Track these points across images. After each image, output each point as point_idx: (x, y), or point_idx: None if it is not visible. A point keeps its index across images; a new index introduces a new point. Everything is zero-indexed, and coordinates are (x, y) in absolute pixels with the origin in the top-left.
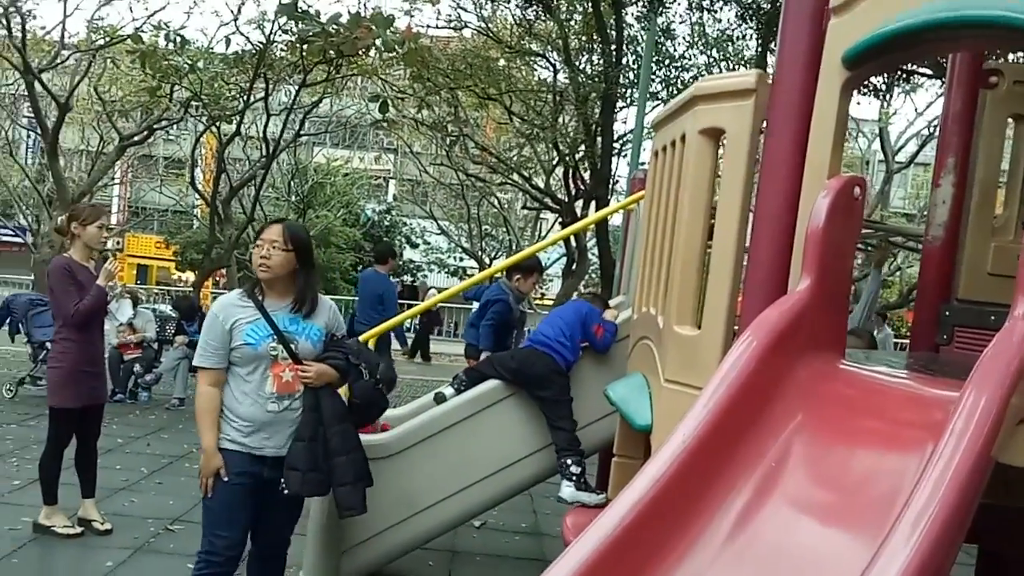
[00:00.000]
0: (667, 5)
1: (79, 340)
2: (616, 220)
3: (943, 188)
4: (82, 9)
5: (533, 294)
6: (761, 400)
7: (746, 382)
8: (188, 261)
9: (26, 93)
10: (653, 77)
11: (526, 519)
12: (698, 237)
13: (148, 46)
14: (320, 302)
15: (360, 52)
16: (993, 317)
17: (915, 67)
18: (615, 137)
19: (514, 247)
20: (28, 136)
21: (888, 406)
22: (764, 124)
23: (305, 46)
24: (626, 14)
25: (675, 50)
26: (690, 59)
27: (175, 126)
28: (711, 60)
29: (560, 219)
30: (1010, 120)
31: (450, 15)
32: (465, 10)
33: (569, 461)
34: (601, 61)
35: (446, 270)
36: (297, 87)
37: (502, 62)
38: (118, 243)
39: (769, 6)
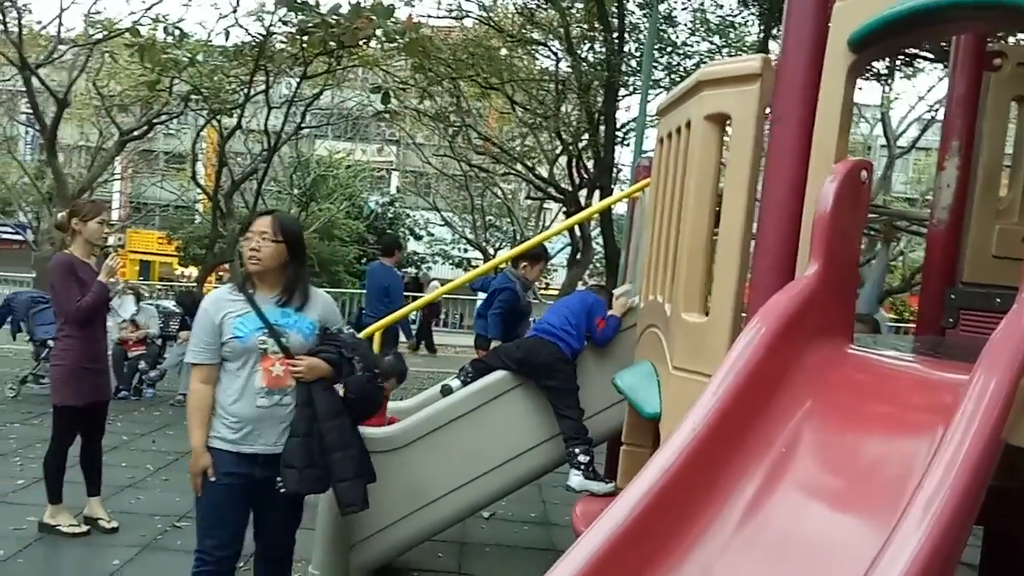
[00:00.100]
0: None
1: (81, 337)
2: (620, 208)
3: (948, 171)
4: (78, 3)
5: (538, 284)
6: (770, 387)
7: (755, 369)
8: (191, 256)
9: (23, 89)
10: (655, 64)
11: (535, 509)
12: (704, 224)
13: (147, 39)
14: (314, 295)
15: (361, 43)
16: (999, 300)
17: (917, 51)
18: (618, 125)
19: (518, 237)
20: (26, 132)
21: (897, 390)
22: (769, 109)
23: (305, 37)
24: (628, 1)
25: (677, 37)
26: (692, 46)
27: (175, 120)
28: (713, 47)
29: (564, 208)
30: (1013, 102)
31: (451, 4)
32: None
33: (577, 450)
34: (603, 49)
35: (450, 262)
36: (298, 79)
37: (504, 51)
38: (120, 239)
39: None
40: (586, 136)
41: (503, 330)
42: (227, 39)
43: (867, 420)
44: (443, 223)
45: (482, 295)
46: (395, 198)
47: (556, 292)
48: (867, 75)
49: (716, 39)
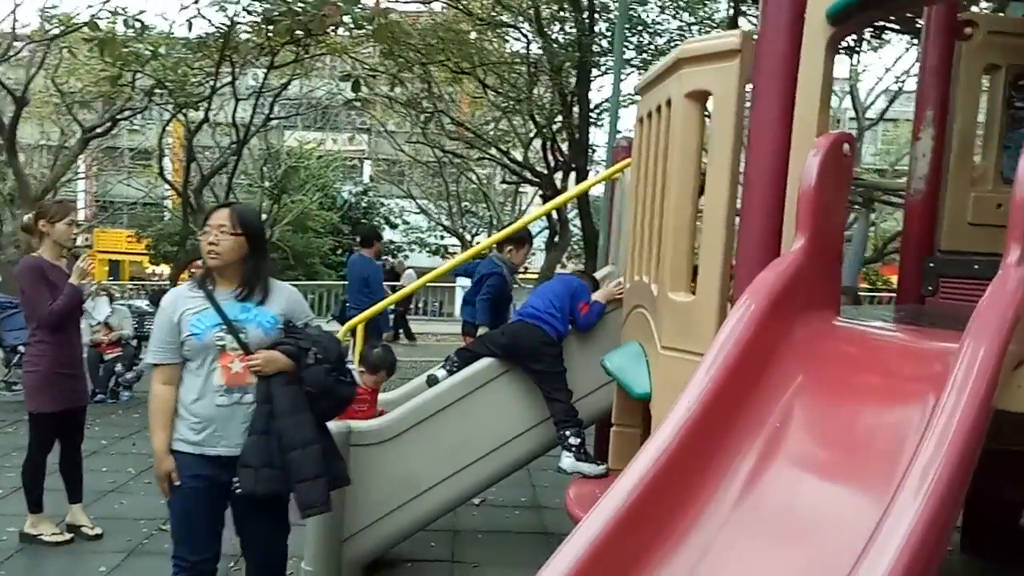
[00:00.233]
0: None
1: (55, 342)
2: (597, 190)
3: (923, 142)
4: None
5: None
6: (762, 363)
7: (746, 346)
8: (162, 254)
9: None
10: (626, 44)
11: (525, 493)
12: (688, 202)
13: (106, 33)
14: (276, 288)
15: (329, 30)
16: (976, 266)
17: (884, 22)
18: (591, 106)
19: (495, 222)
20: None
21: (887, 361)
22: (750, 85)
23: (271, 26)
24: None
25: (647, 15)
26: (663, 24)
27: (139, 115)
28: (683, 24)
29: (540, 191)
30: (985, 71)
31: None
32: None
33: (568, 432)
34: (574, 29)
35: (427, 249)
36: (265, 69)
37: (474, 35)
38: (87, 239)
39: None
40: (560, 118)
41: (491, 315)
42: (190, 30)
43: (858, 392)
44: (418, 211)
45: (461, 280)
46: (368, 187)
47: (535, 276)
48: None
49: (686, 16)
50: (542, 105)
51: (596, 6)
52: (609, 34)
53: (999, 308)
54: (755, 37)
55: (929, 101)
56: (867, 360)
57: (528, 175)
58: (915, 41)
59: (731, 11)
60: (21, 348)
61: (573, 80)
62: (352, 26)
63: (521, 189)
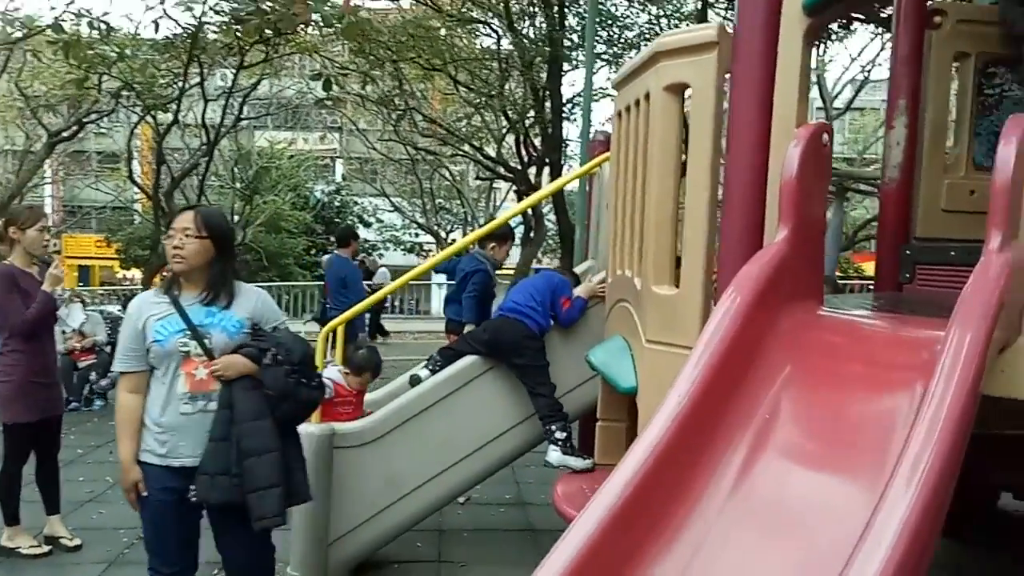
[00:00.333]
0: None
1: (28, 351)
2: (571, 184)
3: (896, 130)
4: None
5: None
6: (749, 355)
7: (734, 339)
8: (132, 258)
9: None
10: (597, 38)
11: (509, 490)
12: (670, 196)
13: (71, 36)
14: (243, 290)
15: (298, 29)
16: (952, 253)
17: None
18: (563, 100)
19: (469, 219)
20: None
21: (873, 349)
22: (728, 77)
23: (239, 26)
24: None
25: (616, 9)
26: (631, 17)
27: (106, 118)
28: (652, 18)
29: (515, 187)
30: (955, 58)
31: None
32: None
33: (554, 427)
34: (544, 24)
35: (402, 247)
36: (234, 70)
37: (444, 31)
38: (55, 245)
39: None
40: (532, 113)
41: (478, 312)
42: (157, 31)
43: (846, 381)
44: (392, 209)
45: (438, 277)
46: (341, 186)
47: (511, 272)
48: None
49: (654, 9)
50: (514, 100)
51: (565, 0)
52: (579, 28)
53: (983, 294)
54: (731, 29)
55: (901, 90)
56: (853, 349)
57: (502, 171)
58: (880, 30)
59: (699, 4)
60: None
61: (544, 75)
62: (322, 24)
63: (495, 185)
